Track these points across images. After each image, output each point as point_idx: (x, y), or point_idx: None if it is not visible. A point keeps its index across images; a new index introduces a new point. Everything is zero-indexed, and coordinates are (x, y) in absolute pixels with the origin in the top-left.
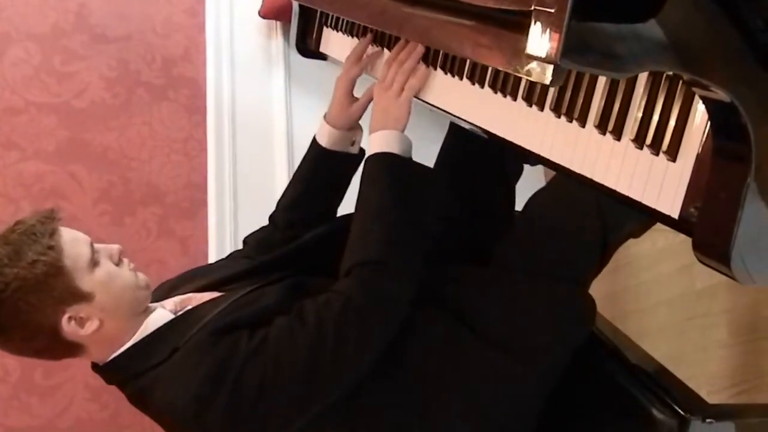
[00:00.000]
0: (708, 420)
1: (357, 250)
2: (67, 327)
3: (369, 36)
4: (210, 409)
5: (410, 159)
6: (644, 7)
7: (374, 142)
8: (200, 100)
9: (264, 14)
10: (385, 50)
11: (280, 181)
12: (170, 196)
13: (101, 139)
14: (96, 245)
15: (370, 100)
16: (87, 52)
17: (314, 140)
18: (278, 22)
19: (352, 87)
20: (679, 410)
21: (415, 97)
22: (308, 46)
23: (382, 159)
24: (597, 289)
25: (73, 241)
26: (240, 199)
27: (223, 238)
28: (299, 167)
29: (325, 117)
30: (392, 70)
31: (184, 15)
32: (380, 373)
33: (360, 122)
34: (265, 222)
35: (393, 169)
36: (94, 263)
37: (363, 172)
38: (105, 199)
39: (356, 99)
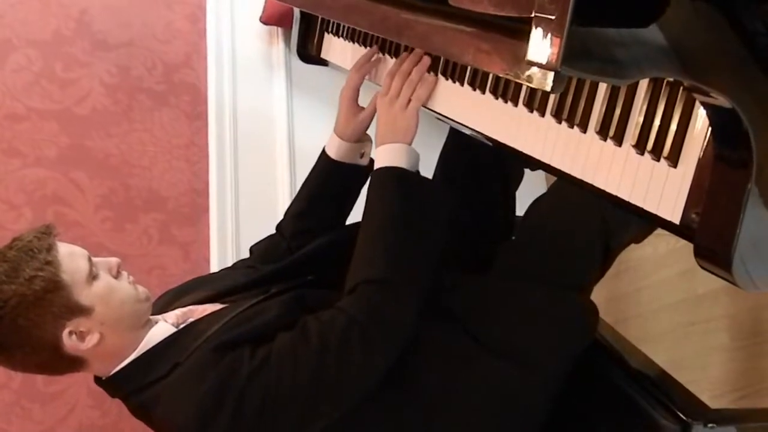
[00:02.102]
0: (710, 425)
1: (362, 267)
2: (68, 341)
3: (375, 47)
4: (212, 426)
5: (418, 174)
6: (645, 11)
7: (381, 155)
8: (201, 106)
9: (265, 20)
10: (386, 56)
11: (282, 186)
12: (171, 202)
13: (102, 146)
14: (94, 259)
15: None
16: (88, 59)
17: (323, 151)
18: (279, 28)
19: (355, 96)
20: (681, 415)
21: None
22: (309, 52)
23: (390, 173)
24: (599, 294)
25: (70, 256)
26: (241, 205)
27: (224, 244)
28: (308, 178)
29: (334, 129)
30: (397, 82)
31: (185, 21)
32: (384, 384)
33: (371, 134)
34: (267, 227)
35: (400, 184)
36: (92, 277)
37: (369, 186)
38: (106, 205)
39: (362, 109)
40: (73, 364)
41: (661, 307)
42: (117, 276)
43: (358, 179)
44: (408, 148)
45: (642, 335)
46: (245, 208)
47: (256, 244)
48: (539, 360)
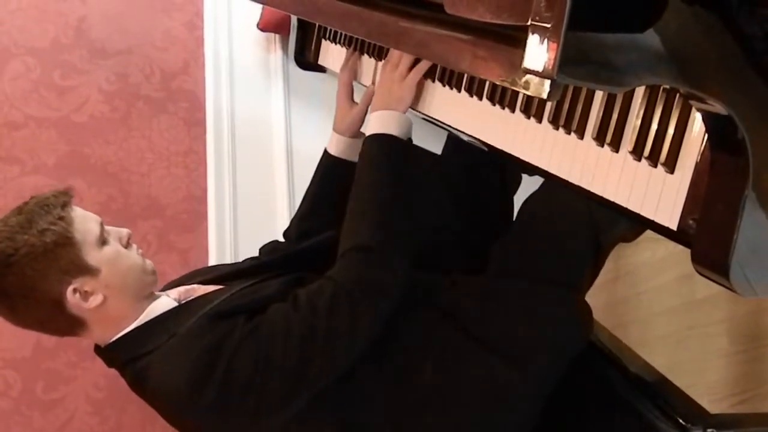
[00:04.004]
0: (709, 430)
1: (350, 235)
2: (72, 299)
3: (350, 48)
4: (204, 388)
5: (410, 141)
6: (642, 16)
7: (373, 122)
8: (199, 113)
9: (263, 27)
10: (364, 56)
11: (280, 192)
12: (170, 209)
13: (101, 153)
14: (106, 227)
15: (368, 100)
16: (86, 66)
17: (324, 151)
18: (277, 35)
19: (349, 92)
20: (680, 420)
21: (415, 109)
22: (307, 59)
23: (380, 140)
24: (598, 298)
25: (83, 217)
26: (240, 212)
27: (223, 251)
28: (311, 180)
29: (333, 128)
30: (399, 51)
31: (183, 28)
32: (377, 374)
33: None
34: (265, 232)
35: (390, 151)
36: (102, 241)
37: (360, 153)
38: (105, 212)
39: (356, 104)
40: (73, 325)
41: (660, 311)
42: (127, 246)
43: None
44: (399, 115)
45: (641, 340)
46: (243, 215)
47: (264, 246)
48: (532, 358)
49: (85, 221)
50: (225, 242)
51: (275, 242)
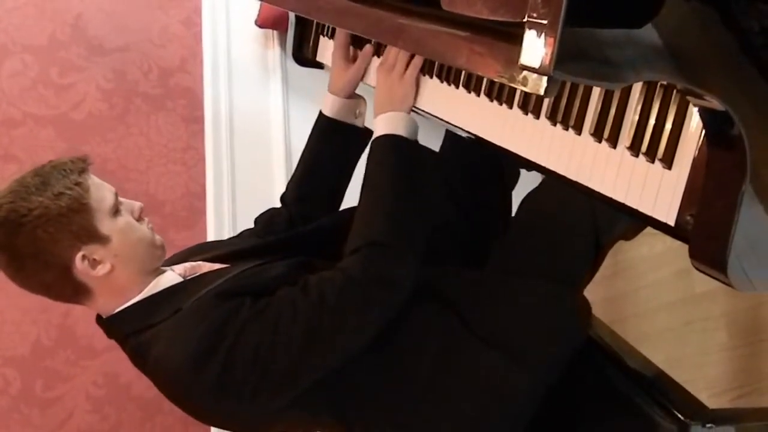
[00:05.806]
0: (708, 425)
1: (362, 230)
2: (80, 265)
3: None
4: (206, 366)
5: (416, 141)
6: (640, 12)
7: (380, 124)
8: (198, 110)
9: (261, 24)
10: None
11: (279, 189)
12: (168, 206)
13: (99, 151)
14: (120, 198)
15: (365, 61)
16: (84, 64)
17: (319, 113)
18: (275, 32)
19: (346, 53)
20: (679, 415)
21: (414, 106)
22: (305, 55)
23: (389, 141)
24: (596, 294)
25: (99, 185)
26: (238, 208)
27: None
28: (306, 143)
29: (328, 88)
30: (394, 50)
31: (181, 25)
32: (375, 366)
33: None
34: None
35: (400, 151)
36: (115, 211)
37: (369, 154)
38: None
39: (352, 64)
40: (78, 292)
41: (659, 306)
42: (139, 220)
43: (354, 141)
44: (405, 116)
45: (639, 335)
46: (242, 211)
47: (261, 215)
48: (530, 353)
49: (100, 189)
50: (223, 239)
51: (272, 210)
